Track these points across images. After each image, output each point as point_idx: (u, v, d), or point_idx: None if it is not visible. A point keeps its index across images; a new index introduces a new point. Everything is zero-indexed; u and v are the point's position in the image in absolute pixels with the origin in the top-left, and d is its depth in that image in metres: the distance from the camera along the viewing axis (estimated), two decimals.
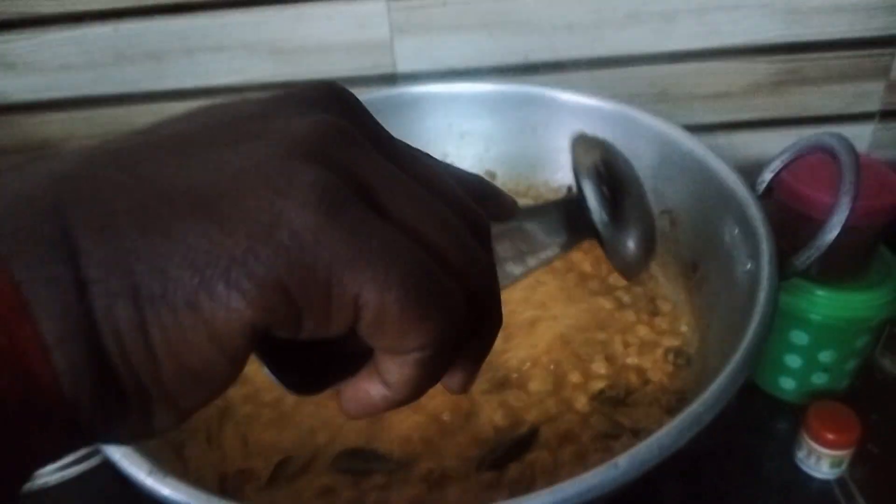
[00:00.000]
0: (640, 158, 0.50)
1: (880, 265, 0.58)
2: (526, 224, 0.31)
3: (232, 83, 0.62)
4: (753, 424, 0.60)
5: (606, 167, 0.34)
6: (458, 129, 0.58)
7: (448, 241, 0.19)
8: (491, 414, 0.41)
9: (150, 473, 0.31)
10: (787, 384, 0.61)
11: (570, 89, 0.55)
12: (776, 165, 0.43)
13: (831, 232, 0.36)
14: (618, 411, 0.40)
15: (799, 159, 0.56)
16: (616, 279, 0.51)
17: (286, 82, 0.62)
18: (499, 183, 0.59)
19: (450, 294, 0.18)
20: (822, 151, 0.39)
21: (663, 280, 0.50)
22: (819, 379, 0.60)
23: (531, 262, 0.30)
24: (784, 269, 0.38)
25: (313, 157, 0.17)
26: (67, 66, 0.61)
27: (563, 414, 0.41)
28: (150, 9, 0.59)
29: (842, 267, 0.57)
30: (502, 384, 0.43)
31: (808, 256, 0.37)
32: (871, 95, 0.62)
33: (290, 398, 0.43)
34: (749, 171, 0.63)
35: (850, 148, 0.38)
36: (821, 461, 0.55)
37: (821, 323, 0.57)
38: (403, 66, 0.61)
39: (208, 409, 0.42)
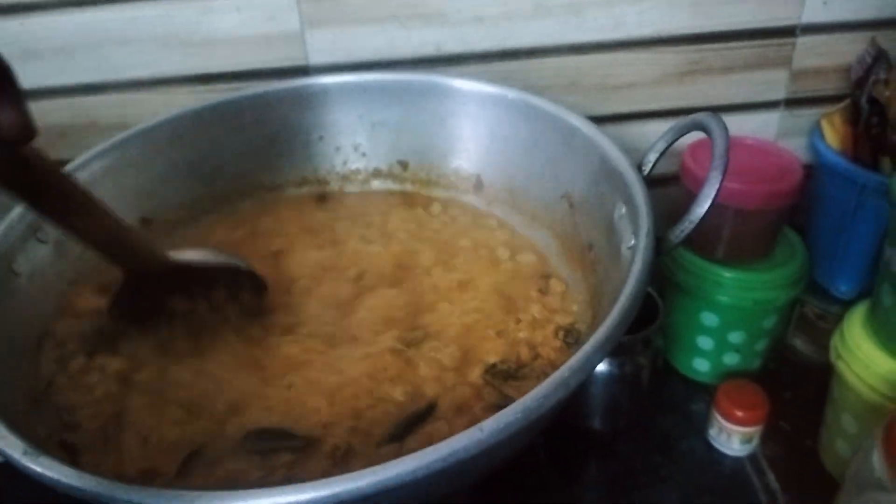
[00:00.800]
0: (542, 143, 0.51)
1: (785, 246, 0.60)
2: None
3: (140, 77, 0.62)
4: (669, 405, 0.61)
5: None
6: (369, 120, 0.59)
7: None
8: (390, 390, 0.42)
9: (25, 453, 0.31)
10: (702, 366, 0.63)
11: (474, 79, 0.55)
12: (660, 146, 0.44)
13: (702, 204, 0.37)
14: (507, 384, 0.41)
15: (688, 143, 0.58)
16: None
17: (197, 75, 0.62)
18: (410, 172, 0.60)
19: None
20: (699, 129, 0.41)
21: (561, 261, 0.51)
22: (731, 359, 0.62)
23: None
24: (661, 244, 0.39)
25: None
26: None
27: (458, 386, 0.42)
28: (57, 3, 0.58)
29: (747, 249, 0.59)
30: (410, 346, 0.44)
31: (681, 230, 0.38)
32: (775, 84, 0.64)
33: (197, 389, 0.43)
34: (662, 159, 0.65)
35: (722, 125, 0.39)
36: (731, 438, 0.56)
37: (728, 305, 0.58)
38: (315, 59, 0.61)
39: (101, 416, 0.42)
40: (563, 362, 0.31)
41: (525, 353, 0.44)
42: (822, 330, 0.64)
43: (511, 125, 0.54)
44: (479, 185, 0.58)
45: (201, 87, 0.62)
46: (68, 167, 0.50)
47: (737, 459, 0.57)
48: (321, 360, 0.44)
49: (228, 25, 0.59)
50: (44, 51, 0.60)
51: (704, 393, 0.61)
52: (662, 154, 0.44)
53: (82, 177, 0.50)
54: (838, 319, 0.61)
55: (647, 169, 0.44)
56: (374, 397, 0.42)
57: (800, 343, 0.66)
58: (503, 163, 0.56)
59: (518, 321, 0.46)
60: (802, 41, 0.62)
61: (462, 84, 0.56)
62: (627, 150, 0.64)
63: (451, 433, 0.29)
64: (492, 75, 0.61)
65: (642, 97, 0.64)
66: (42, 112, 0.63)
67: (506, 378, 0.42)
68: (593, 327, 0.35)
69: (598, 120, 0.62)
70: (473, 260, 0.52)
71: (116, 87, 0.62)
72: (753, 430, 0.56)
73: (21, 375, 0.42)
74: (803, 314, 0.65)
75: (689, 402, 0.62)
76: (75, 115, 0.63)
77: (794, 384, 0.62)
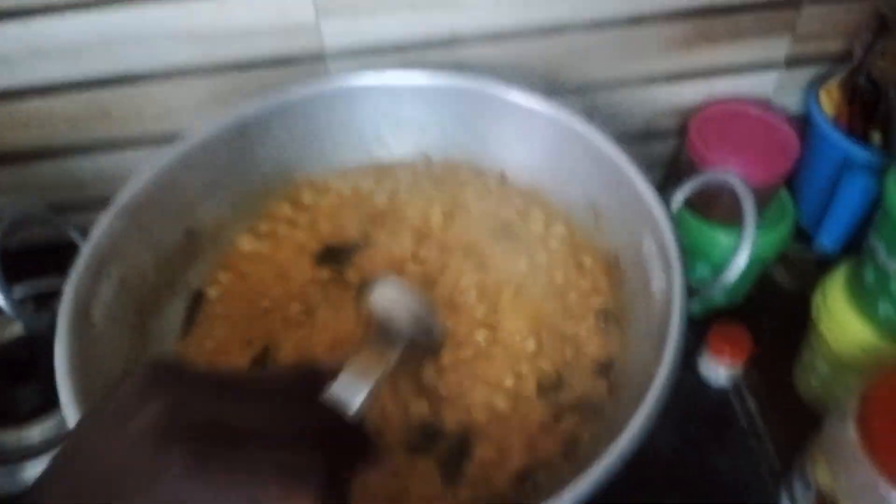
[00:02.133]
0: (569, 155, 0.54)
1: (777, 206, 0.65)
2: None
3: (153, 69, 0.61)
4: None
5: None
6: (395, 118, 0.60)
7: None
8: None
9: None
10: (692, 305, 0.69)
11: (506, 85, 0.56)
12: (686, 189, 0.47)
13: (734, 272, 0.42)
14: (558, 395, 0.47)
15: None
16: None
17: (213, 66, 0.61)
18: (434, 166, 0.62)
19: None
20: (726, 187, 0.44)
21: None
22: (719, 299, 0.69)
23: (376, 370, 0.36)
24: (691, 294, 0.44)
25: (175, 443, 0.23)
26: None
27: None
28: (64, 6, 0.56)
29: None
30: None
31: (713, 290, 0.43)
32: (777, 47, 0.66)
33: None
34: (668, 115, 0.68)
35: (747, 191, 0.42)
36: (719, 372, 0.63)
37: (721, 262, 0.63)
38: (331, 46, 0.61)
39: None
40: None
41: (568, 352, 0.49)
42: (802, 267, 0.71)
43: (539, 133, 0.55)
44: (502, 182, 0.60)
45: (217, 76, 0.62)
46: (117, 198, 0.51)
47: (722, 389, 0.64)
48: None
49: (243, 16, 0.58)
50: (52, 50, 0.59)
51: (693, 326, 0.66)
52: (688, 196, 0.47)
53: (131, 207, 0.52)
54: (817, 260, 0.68)
55: (674, 207, 0.48)
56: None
57: (779, 275, 0.72)
58: (528, 164, 0.58)
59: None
60: (808, 10, 0.63)
61: (489, 88, 0.57)
62: (632, 114, 0.68)
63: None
64: (505, 55, 0.62)
65: (650, 65, 0.66)
66: (52, 103, 0.62)
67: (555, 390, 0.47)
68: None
69: (608, 85, 0.65)
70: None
71: (130, 80, 0.61)
72: (738, 366, 0.63)
73: None
74: (785, 253, 0.72)
75: (684, 347, 0.69)
76: (87, 107, 0.63)
77: (772, 313, 0.68)
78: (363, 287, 0.52)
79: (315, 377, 0.31)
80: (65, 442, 0.26)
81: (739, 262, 0.42)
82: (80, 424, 0.27)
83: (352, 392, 0.32)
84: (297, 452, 0.25)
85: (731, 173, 0.44)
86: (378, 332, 0.42)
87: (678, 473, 0.57)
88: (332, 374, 0.32)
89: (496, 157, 0.60)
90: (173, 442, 0.23)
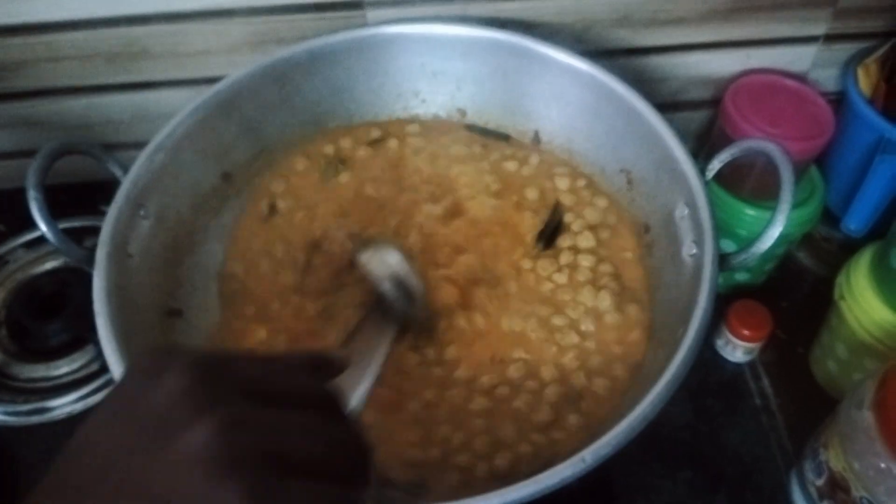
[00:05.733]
0: (605, 116, 0.54)
1: (806, 184, 0.64)
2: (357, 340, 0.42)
3: (192, 9, 0.61)
4: None
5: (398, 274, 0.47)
6: (431, 69, 0.60)
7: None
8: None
9: None
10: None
11: (544, 42, 0.56)
12: (724, 157, 0.47)
13: (767, 242, 0.42)
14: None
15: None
16: None
17: (249, 7, 0.61)
18: (468, 120, 0.63)
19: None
20: (764, 156, 0.44)
21: (622, 235, 0.56)
22: (742, 277, 0.69)
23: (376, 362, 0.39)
24: (723, 264, 0.44)
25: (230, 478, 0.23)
26: None
27: None
28: None
29: (772, 190, 0.63)
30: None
31: (744, 258, 0.43)
32: (817, 20, 0.66)
33: None
34: (703, 84, 0.67)
35: (787, 159, 0.43)
36: (736, 350, 0.64)
37: (746, 237, 0.63)
38: None
39: None
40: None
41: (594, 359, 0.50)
42: (825, 249, 0.71)
43: (575, 91, 0.56)
44: (536, 140, 0.61)
45: (255, 19, 0.62)
46: (158, 135, 0.52)
47: (738, 365, 0.64)
48: None
49: None
50: None
51: (715, 302, 0.69)
52: (725, 164, 0.48)
53: (170, 143, 0.53)
54: (841, 243, 0.68)
55: (710, 175, 0.48)
56: None
57: (802, 256, 0.72)
58: (563, 123, 0.58)
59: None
60: None
61: (528, 43, 0.57)
62: (667, 81, 0.67)
63: None
64: (545, 11, 0.62)
65: (689, 31, 0.65)
66: (92, 39, 0.63)
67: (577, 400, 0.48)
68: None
69: (644, 51, 0.65)
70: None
71: (167, 18, 0.61)
72: (755, 345, 0.63)
73: None
74: (810, 233, 0.72)
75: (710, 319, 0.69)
76: (127, 45, 0.63)
77: (793, 294, 0.69)
78: (360, 245, 0.53)
79: (328, 368, 0.32)
80: (74, 438, 0.25)
81: (774, 232, 0.43)
82: (91, 419, 0.26)
83: (355, 386, 0.36)
84: (342, 486, 0.26)
85: (770, 142, 0.44)
86: (374, 309, 0.44)
87: (690, 445, 0.58)
88: (342, 365, 0.32)
89: (530, 115, 0.60)
90: (227, 475, 0.23)
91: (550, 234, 0.55)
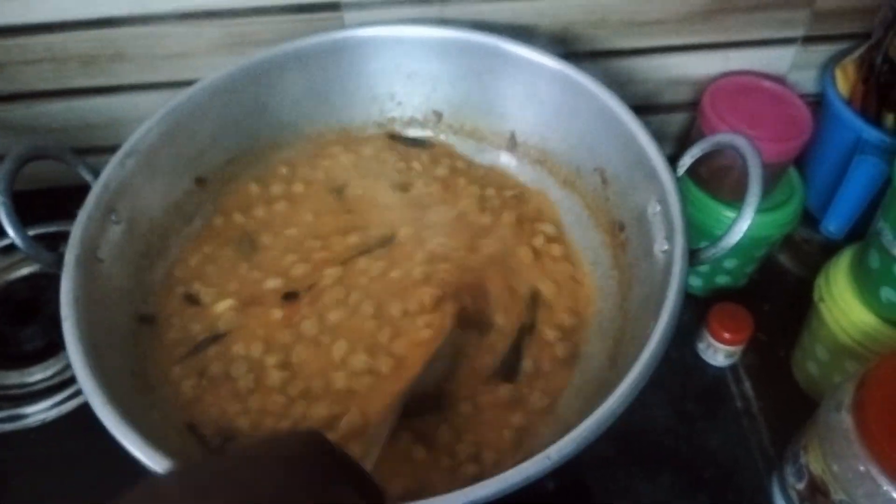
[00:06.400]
0: (579, 116, 0.54)
1: (786, 186, 0.64)
2: None
3: (167, 11, 0.61)
4: None
5: None
6: (406, 70, 0.60)
7: None
8: None
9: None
10: (695, 282, 0.69)
11: (517, 42, 0.56)
12: (695, 152, 0.47)
13: (735, 236, 0.42)
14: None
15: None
16: None
17: (225, 9, 0.61)
18: (445, 123, 0.62)
19: None
20: (733, 150, 0.44)
21: (591, 234, 0.56)
22: (722, 279, 0.68)
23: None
24: (693, 258, 0.44)
25: None
26: None
27: None
28: None
29: None
30: None
31: (713, 253, 0.43)
32: (795, 22, 0.66)
33: None
34: (681, 86, 0.67)
35: (756, 154, 0.42)
36: (717, 353, 0.63)
37: None
38: None
39: None
40: None
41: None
42: (806, 251, 0.71)
43: (549, 91, 0.56)
44: (512, 142, 0.60)
45: (231, 21, 0.62)
46: (130, 140, 0.52)
47: (719, 369, 0.64)
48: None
49: None
50: None
51: (695, 304, 0.67)
52: (704, 166, 0.47)
53: (143, 147, 0.52)
54: (822, 245, 0.68)
55: (681, 171, 0.48)
56: None
57: (783, 259, 0.72)
58: (538, 123, 0.58)
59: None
60: None
61: (501, 43, 0.57)
62: (645, 83, 0.67)
63: None
64: (522, 13, 0.62)
65: (666, 33, 0.65)
66: (67, 42, 0.62)
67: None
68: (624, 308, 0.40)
69: (622, 53, 0.65)
70: None
71: (143, 20, 0.61)
72: (737, 348, 0.63)
73: (125, 357, 0.48)
74: (790, 236, 0.72)
75: (680, 313, 0.69)
76: (102, 47, 0.63)
77: (774, 297, 0.68)
78: None
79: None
80: None
81: (742, 226, 0.43)
82: None
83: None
84: None
85: (739, 136, 0.44)
86: None
87: (670, 449, 0.58)
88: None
89: (506, 116, 0.60)
90: None
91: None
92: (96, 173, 0.51)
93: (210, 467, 0.26)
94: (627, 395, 0.38)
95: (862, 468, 0.42)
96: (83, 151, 0.52)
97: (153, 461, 0.38)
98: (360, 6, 0.61)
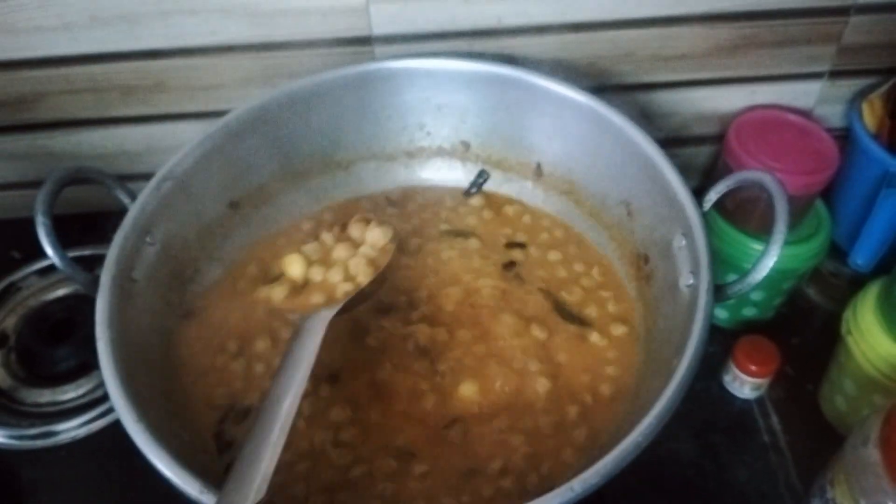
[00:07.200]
0: (605, 149, 0.55)
1: (813, 219, 0.64)
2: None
3: (206, 44, 0.63)
4: None
5: None
6: (436, 102, 0.61)
7: None
8: None
9: (201, 492, 0.38)
10: (722, 314, 0.69)
11: (545, 76, 0.57)
12: (720, 189, 0.48)
13: (761, 272, 0.42)
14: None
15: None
16: None
17: (262, 44, 0.63)
18: (472, 153, 0.64)
19: None
20: (759, 188, 0.44)
21: (617, 265, 0.56)
22: (749, 312, 0.68)
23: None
24: (719, 294, 0.44)
25: None
26: (41, 28, 0.61)
27: None
28: None
29: None
30: None
31: (739, 289, 0.43)
32: (821, 57, 0.66)
33: None
34: (707, 120, 0.68)
35: (781, 191, 0.43)
36: (744, 386, 0.63)
37: None
38: (378, 30, 0.62)
39: None
40: None
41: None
42: (834, 285, 0.71)
43: (576, 124, 0.56)
44: (538, 173, 0.61)
45: (266, 54, 0.64)
46: (167, 164, 0.53)
47: (745, 402, 0.63)
48: None
49: None
50: (110, 17, 0.61)
51: (721, 336, 0.67)
52: (731, 199, 0.48)
53: (179, 171, 0.54)
54: (850, 279, 0.68)
55: (706, 206, 0.48)
56: None
57: (811, 292, 0.72)
58: (564, 155, 0.59)
59: None
60: (855, 20, 0.63)
61: (530, 77, 0.57)
62: (672, 117, 0.68)
63: None
64: (550, 47, 0.63)
65: (693, 67, 0.66)
66: (109, 73, 0.65)
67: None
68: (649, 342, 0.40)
69: (649, 86, 0.66)
70: None
71: (183, 53, 0.63)
72: (763, 381, 0.62)
73: (156, 377, 0.49)
74: (818, 269, 0.71)
75: (707, 344, 0.69)
76: (142, 77, 0.65)
77: (802, 330, 0.68)
78: None
79: None
80: None
81: (768, 262, 0.43)
82: None
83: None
84: None
85: (765, 173, 0.44)
86: None
87: (696, 483, 0.57)
88: None
89: (533, 148, 0.61)
90: None
91: None
92: (133, 196, 0.52)
93: None
94: (652, 429, 0.38)
95: (891, 503, 0.42)
96: (121, 178, 0.53)
97: (182, 480, 0.38)
98: (391, 40, 0.63)
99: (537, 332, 0.53)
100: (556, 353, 0.52)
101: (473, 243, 0.59)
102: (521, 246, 0.60)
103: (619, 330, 0.53)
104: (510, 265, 0.58)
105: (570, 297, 0.56)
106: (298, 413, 0.42)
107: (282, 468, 0.41)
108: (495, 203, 0.63)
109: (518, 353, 0.51)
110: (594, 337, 0.53)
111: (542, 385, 0.50)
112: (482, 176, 0.62)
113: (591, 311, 0.54)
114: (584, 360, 0.52)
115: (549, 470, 0.47)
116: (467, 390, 0.49)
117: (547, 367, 0.51)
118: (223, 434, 0.49)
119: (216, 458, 0.47)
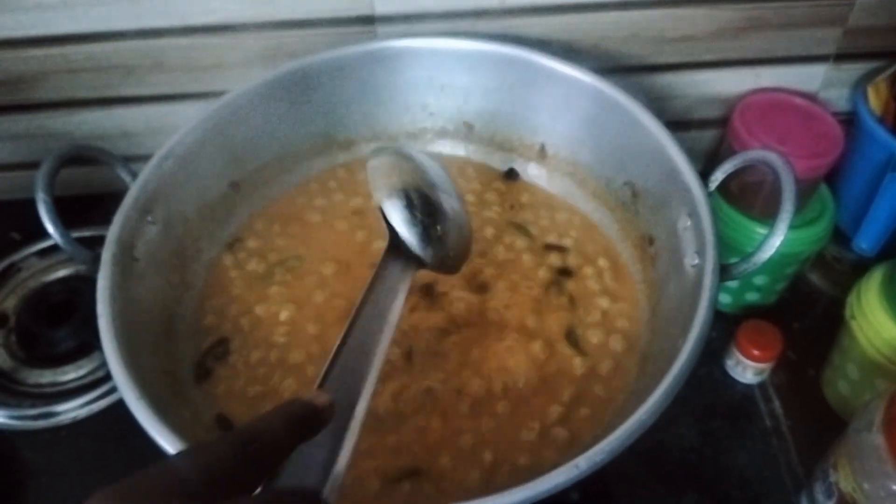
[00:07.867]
0: (610, 129, 0.54)
1: (816, 203, 0.64)
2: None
3: (207, 23, 0.62)
4: None
5: (411, 190, 0.37)
6: (439, 82, 0.61)
7: None
8: None
9: None
10: (725, 299, 0.69)
11: (550, 56, 0.57)
12: (727, 168, 0.47)
13: (767, 251, 0.42)
14: None
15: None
16: None
17: (264, 23, 0.63)
18: (476, 134, 0.63)
19: None
20: (767, 167, 0.44)
21: (623, 246, 0.56)
22: (752, 297, 0.68)
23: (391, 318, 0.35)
24: (724, 273, 0.44)
25: None
26: (40, 5, 0.61)
27: None
28: None
29: None
30: None
31: (745, 268, 0.43)
32: (827, 40, 0.66)
33: None
34: (712, 103, 0.67)
35: (790, 170, 0.42)
36: (746, 371, 0.63)
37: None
38: (381, 9, 0.62)
39: None
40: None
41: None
42: (837, 270, 0.71)
43: (580, 104, 0.56)
44: (542, 154, 0.61)
45: (267, 34, 0.63)
46: (169, 143, 0.53)
47: (748, 386, 0.63)
48: None
49: None
50: None
51: (724, 321, 0.67)
52: (735, 182, 0.47)
53: (180, 150, 0.53)
54: (853, 264, 0.68)
55: (713, 186, 0.48)
56: None
57: (814, 277, 0.71)
58: (568, 136, 0.59)
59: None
60: (861, 2, 0.63)
61: (534, 57, 0.57)
62: (677, 99, 0.67)
63: None
64: (554, 28, 0.63)
65: (698, 49, 0.66)
66: (109, 52, 0.64)
67: None
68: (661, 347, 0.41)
69: (654, 68, 0.65)
70: None
71: (183, 32, 0.63)
72: (766, 366, 0.62)
73: (157, 355, 0.48)
74: (822, 254, 0.71)
75: (712, 324, 0.69)
76: (142, 56, 0.65)
77: (804, 315, 0.68)
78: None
79: (312, 424, 0.30)
80: None
81: (774, 241, 0.42)
82: None
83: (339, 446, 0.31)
84: None
85: (771, 153, 0.44)
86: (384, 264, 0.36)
87: (697, 468, 0.57)
88: (326, 415, 0.30)
89: (536, 129, 0.60)
90: None
91: None
92: (134, 175, 0.52)
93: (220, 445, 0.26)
94: (657, 408, 0.38)
95: (894, 487, 0.42)
96: (122, 159, 0.53)
97: None
98: (394, 20, 0.62)
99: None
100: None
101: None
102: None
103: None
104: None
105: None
106: None
107: None
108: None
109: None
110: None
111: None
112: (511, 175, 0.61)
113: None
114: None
115: None
116: None
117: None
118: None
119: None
